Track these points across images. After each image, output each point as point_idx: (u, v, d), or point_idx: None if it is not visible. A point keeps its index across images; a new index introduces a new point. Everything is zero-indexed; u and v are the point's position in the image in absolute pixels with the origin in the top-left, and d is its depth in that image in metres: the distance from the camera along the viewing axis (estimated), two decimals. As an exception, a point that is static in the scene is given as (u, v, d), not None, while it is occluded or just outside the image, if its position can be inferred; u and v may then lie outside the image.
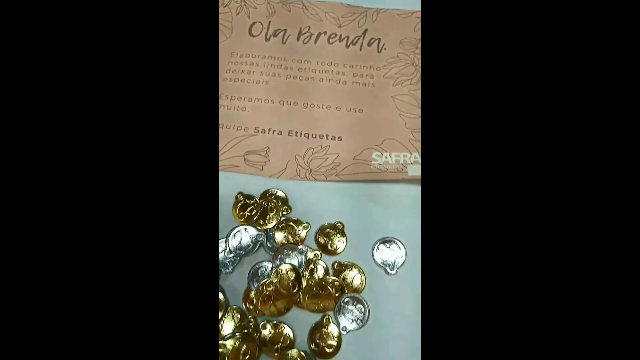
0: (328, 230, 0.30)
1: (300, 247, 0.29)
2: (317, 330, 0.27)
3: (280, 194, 0.31)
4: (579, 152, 0.16)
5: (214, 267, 0.19)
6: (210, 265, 0.18)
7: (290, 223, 0.30)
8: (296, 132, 0.34)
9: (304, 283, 0.28)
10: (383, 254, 0.29)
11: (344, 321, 0.27)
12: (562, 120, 0.16)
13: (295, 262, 0.28)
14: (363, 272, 0.29)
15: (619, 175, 0.15)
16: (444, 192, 0.16)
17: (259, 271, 0.28)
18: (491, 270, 0.16)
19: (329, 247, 0.30)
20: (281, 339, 0.27)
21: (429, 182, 0.17)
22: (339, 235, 0.30)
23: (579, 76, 0.16)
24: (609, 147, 0.15)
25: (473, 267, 0.16)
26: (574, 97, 0.16)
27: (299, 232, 0.30)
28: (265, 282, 0.27)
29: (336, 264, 0.29)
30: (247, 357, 0.26)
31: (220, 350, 0.25)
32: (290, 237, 0.29)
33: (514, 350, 0.15)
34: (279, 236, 0.29)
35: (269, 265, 0.29)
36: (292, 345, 0.27)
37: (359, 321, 0.27)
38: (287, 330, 0.27)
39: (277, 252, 0.29)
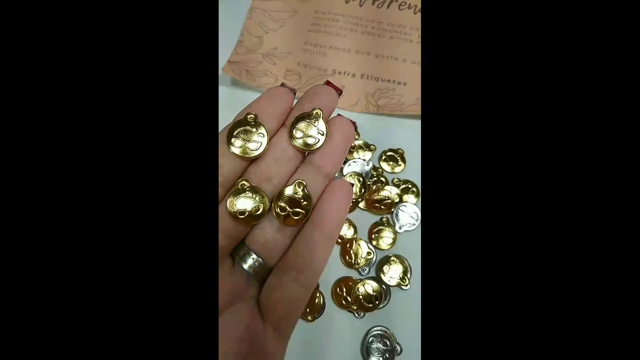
0: (390, 153, 0.36)
1: (366, 160, 0.34)
2: (376, 227, 0.32)
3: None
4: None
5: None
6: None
7: (359, 142, 0.36)
8: (367, 76, 0.39)
9: (368, 189, 0.33)
10: (436, 174, 0.34)
11: (400, 222, 0.32)
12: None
13: (361, 171, 0.34)
14: (417, 186, 0.34)
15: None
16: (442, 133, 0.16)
17: (332, 176, 0.34)
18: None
19: (390, 168, 0.35)
20: (346, 233, 0.32)
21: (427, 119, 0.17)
22: (399, 158, 0.35)
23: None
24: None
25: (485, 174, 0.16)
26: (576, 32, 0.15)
27: (366, 153, 0.35)
28: (336, 184, 0.33)
29: (395, 180, 0.34)
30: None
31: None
32: (358, 154, 0.35)
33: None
34: (349, 154, 0.35)
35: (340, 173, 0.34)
36: (354, 239, 0.32)
37: (410, 224, 0.32)
38: (350, 227, 0.32)
39: (346, 162, 0.34)
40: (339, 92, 0.21)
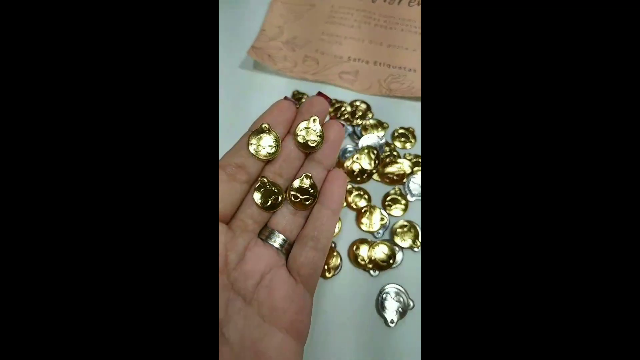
0: (402, 131, 0.38)
1: (380, 136, 0.37)
2: (389, 196, 0.35)
3: (364, 104, 0.40)
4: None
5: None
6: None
7: (373, 121, 0.38)
8: (380, 63, 0.42)
9: (382, 162, 0.36)
10: (445, 150, 0.37)
11: (411, 192, 0.35)
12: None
13: (375, 145, 0.36)
14: (428, 161, 0.36)
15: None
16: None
17: (347, 150, 0.37)
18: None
19: (402, 145, 0.37)
20: (360, 201, 0.35)
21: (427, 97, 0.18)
22: (410, 136, 0.38)
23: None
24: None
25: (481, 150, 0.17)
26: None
27: (379, 130, 0.38)
28: (351, 156, 0.35)
29: (407, 155, 0.37)
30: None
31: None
32: (372, 132, 0.38)
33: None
34: (364, 131, 0.38)
35: (355, 147, 0.37)
36: (369, 206, 0.34)
37: (420, 194, 0.35)
38: (363, 197, 0.35)
39: (361, 138, 0.37)
40: (329, 100, 0.26)
